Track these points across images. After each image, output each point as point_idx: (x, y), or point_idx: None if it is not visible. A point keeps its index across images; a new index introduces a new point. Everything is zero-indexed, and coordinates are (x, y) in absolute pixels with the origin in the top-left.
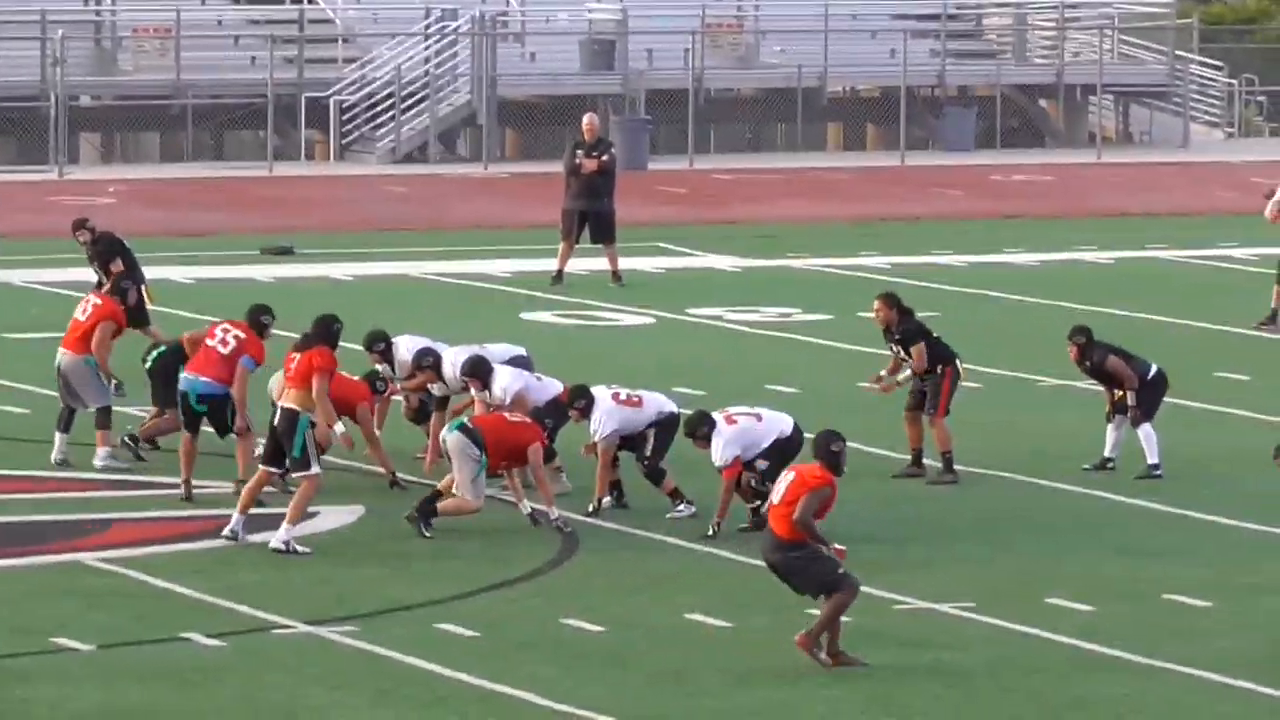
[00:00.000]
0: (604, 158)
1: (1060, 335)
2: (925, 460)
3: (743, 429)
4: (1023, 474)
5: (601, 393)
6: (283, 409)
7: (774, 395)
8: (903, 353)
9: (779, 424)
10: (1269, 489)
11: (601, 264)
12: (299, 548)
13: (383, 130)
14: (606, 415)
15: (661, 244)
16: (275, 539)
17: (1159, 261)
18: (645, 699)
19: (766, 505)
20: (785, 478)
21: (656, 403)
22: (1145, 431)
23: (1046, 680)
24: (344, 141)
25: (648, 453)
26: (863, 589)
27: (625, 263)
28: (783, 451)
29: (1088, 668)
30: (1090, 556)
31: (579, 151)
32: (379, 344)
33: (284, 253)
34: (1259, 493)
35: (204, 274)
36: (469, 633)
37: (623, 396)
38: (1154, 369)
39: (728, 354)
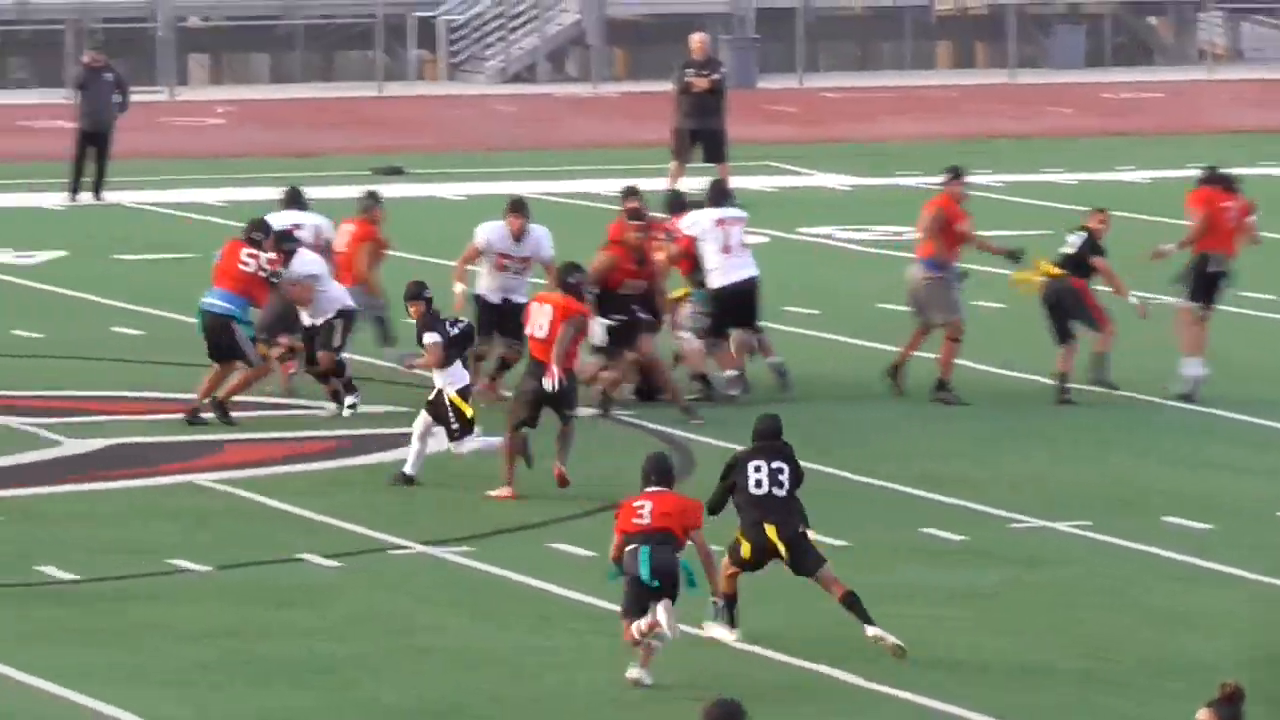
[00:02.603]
0: (714, 76)
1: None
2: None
3: None
4: (1128, 390)
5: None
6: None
7: (885, 314)
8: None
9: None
10: None
11: None
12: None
13: (492, 50)
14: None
15: (771, 163)
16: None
17: (1272, 179)
18: (758, 621)
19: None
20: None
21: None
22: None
23: (1158, 595)
24: (453, 61)
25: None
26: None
27: (736, 181)
28: None
29: (1202, 583)
30: (1200, 473)
31: (689, 70)
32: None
33: (394, 173)
34: None
35: (315, 194)
36: (582, 552)
37: None
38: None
39: (839, 273)
